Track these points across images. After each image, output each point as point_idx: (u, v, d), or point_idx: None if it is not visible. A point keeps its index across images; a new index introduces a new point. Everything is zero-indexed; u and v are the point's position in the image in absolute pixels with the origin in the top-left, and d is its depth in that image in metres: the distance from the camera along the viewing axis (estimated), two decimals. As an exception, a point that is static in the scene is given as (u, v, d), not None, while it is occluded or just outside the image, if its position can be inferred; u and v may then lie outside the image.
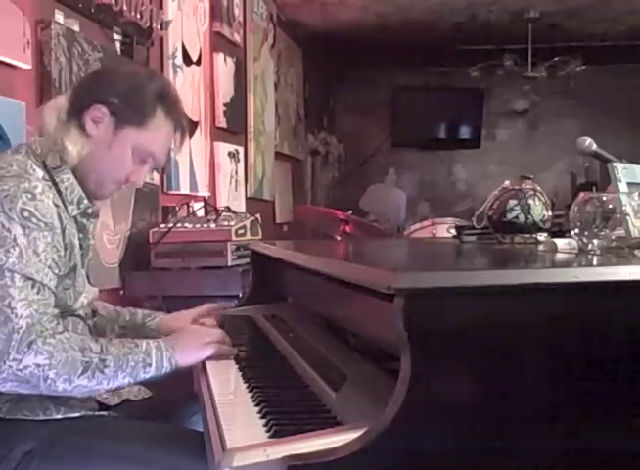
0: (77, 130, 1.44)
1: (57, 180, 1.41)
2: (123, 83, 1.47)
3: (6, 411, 1.34)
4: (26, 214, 1.28)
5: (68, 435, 1.33)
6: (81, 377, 1.24)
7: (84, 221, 1.49)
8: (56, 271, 1.33)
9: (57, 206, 1.37)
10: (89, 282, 1.55)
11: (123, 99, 1.44)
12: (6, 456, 1.28)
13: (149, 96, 1.46)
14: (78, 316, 1.48)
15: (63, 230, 1.37)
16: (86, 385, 1.25)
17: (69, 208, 1.43)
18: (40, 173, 1.38)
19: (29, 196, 1.30)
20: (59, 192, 1.41)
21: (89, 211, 1.48)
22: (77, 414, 1.39)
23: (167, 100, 1.49)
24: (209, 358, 1.48)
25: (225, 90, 4.29)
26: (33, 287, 1.26)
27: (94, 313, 1.62)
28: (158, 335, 1.59)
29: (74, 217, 1.45)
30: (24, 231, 1.27)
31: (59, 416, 1.37)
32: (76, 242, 1.44)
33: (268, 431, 1.00)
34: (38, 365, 1.21)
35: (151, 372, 1.32)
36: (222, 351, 1.45)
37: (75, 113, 1.45)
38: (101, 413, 1.46)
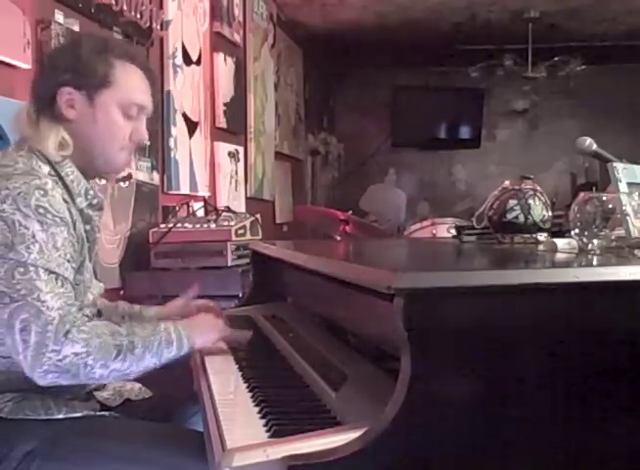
0: (55, 122, 1.42)
1: (62, 174, 1.41)
2: (64, 56, 1.46)
3: (8, 411, 1.34)
4: (42, 211, 1.29)
5: (70, 435, 1.33)
6: (116, 360, 1.25)
7: (90, 212, 1.48)
8: (74, 265, 1.35)
9: (66, 201, 1.37)
10: (95, 277, 1.55)
11: (74, 70, 1.42)
12: (7, 456, 1.28)
13: (90, 53, 1.43)
14: (86, 316, 1.46)
15: (74, 225, 1.38)
16: (119, 368, 1.27)
17: (78, 200, 1.43)
18: (46, 169, 1.38)
19: (42, 192, 1.30)
20: (65, 186, 1.41)
21: (94, 201, 1.47)
22: (79, 414, 1.39)
23: (113, 48, 1.46)
24: (210, 357, 1.49)
25: (225, 90, 4.29)
26: (57, 280, 1.27)
27: (99, 313, 1.62)
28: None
29: (81, 210, 1.45)
30: (42, 227, 1.28)
31: (60, 416, 1.37)
32: (84, 235, 1.44)
33: (268, 431, 1.00)
34: (76, 354, 1.21)
35: (173, 351, 1.34)
36: (234, 334, 1.51)
37: (45, 107, 1.43)
38: (102, 413, 1.46)
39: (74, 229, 1.38)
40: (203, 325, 1.48)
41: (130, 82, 1.46)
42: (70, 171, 1.42)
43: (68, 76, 1.41)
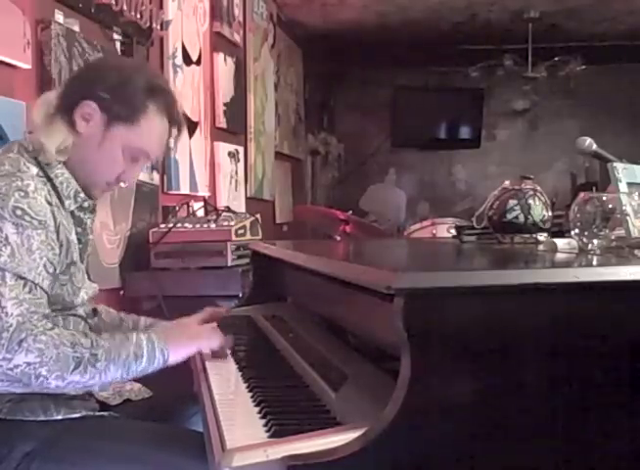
0: (66, 127, 1.42)
1: (51, 176, 1.40)
2: (112, 77, 1.44)
3: (6, 412, 1.33)
4: (19, 212, 1.27)
5: (69, 435, 1.33)
6: (74, 373, 1.22)
7: (81, 215, 1.47)
8: (50, 270, 1.32)
9: (50, 203, 1.35)
10: (89, 278, 1.54)
11: (113, 94, 1.41)
12: (6, 457, 1.28)
13: (138, 89, 1.42)
14: (79, 316, 1.47)
15: (57, 228, 1.36)
16: (79, 381, 1.24)
17: (66, 202, 1.42)
18: (34, 170, 1.37)
19: (22, 194, 1.29)
20: (54, 187, 1.40)
21: (86, 204, 1.46)
22: (78, 415, 1.39)
23: (158, 93, 1.45)
24: (209, 357, 1.48)
25: (225, 90, 4.29)
26: (25, 286, 1.25)
27: (95, 312, 1.61)
28: None
29: (72, 212, 1.44)
30: (17, 229, 1.26)
31: (59, 417, 1.36)
32: (73, 237, 1.43)
33: (268, 431, 1.00)
34: (29, 364, 1.19)
35: (142, 364, 1.30)
36: (214, 343, 1.45)
37: (65, 109, 1.42)
38: (101, 414, 1.46)
39: (58, 232, 1.36)
40: (181, 337, 1.43)
41: (152, 132, 1.45)
42: (60, 173, 1.41)
43: (103, 96, 1.41)
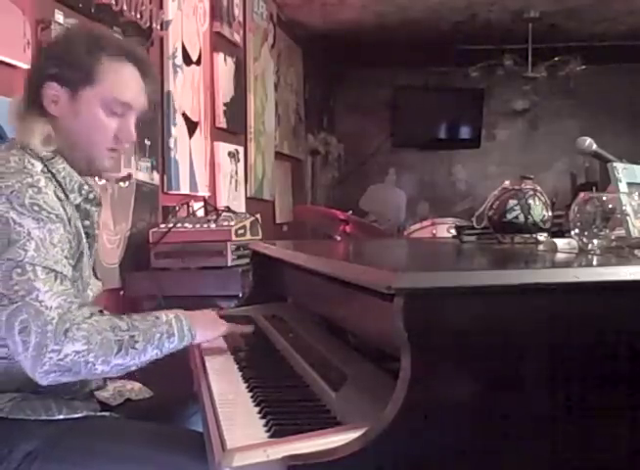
0: (40, 117, 1.41)
1: (53, 171, 1.40)
2: (54, 50, 1.45)
3: (8, 411, 1.33)
4: (36, 208, 1.28)
5: (70, 435, 1.33)
6: (117, 356, 1.25)
7: (88, 207, 1.47)
8: (71, 262, 1.34)
9: (59, 198, 1.36)
10: (94, 275, 1.54)
11: (61, 64, 1.40)
12: (7, 456, 1.28)
13: (79, 47, 1.41)
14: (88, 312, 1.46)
15: (69, 221, 1.37)
16: (121, 363, 1.27)
17: (71, 196, 1.42)
18: (39, 166, 1.37)
19: (35, 190, 1.30)
20: (58, 182, 1.40)
21: (91, 196, 1.46)
22: (79, 415, 1.39)
23: (103, 42, 1.43)
24: (210, 357, 1.49)
25: (225, 90, 4.29)
26: (56, 278, 1.26)
27: (101, 313, 1.59)
28: None
29: (77, 205, 1.44)
30: (38, 224, 1.27)
31: (61, 416, 1.37)
32: (82, 231, 1.44)
33: (268, 431, 1.00)
34: (77, 352, 1.21)
35: (175, 342, 1.34)
36: (236, 328, 1.56)
37: (33, 102, 1.42)
38: (102, 414, 1.46)
39: (70, 225, 1.37)
40: (204, 319, 1.49)
41: (117, 80, 1.43)
42: (62, 168, 1.41)
43: (55, 71, 1.40)
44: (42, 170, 1.37)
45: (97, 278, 1.56)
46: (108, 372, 1.27)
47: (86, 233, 1.47)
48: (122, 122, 1.45)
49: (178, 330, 1.35)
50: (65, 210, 1.36)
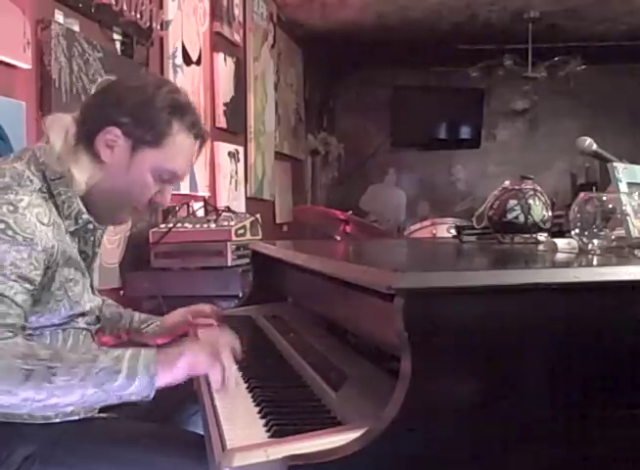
0: (89, 157, 1.37)
1: (54, 192, 1.34)
2: (131, 99, 1.37)
3: (5, 414, 1.32)
4: (2, 226, 1.20)
5: (69, 438, 1.32)
6: (25, 387, 1.09)
7: (86, 236, 1.41)
8: (28, 286, 1.22)
9: (43, 223, 1.26)
10: (92, 292, 1.48)
11: (135, 117, 1.35)
12: (6, 460, 1.27)
13: (160, 109, 1.37)
14: (80, 328, 1.42)
15: (49, 248, 1.26)
16: (34, 397, 1.09)
17: (66, 223, 1.35)
18: (38, 184, 1.31)
19: (11, 208, 1.22)
20: (56, 205, 1.34)
21: (90, 226, 1.39)
22: (77, 417, 1.38)
23: (181, 111, 1.39)
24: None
25: (225, 90, 4.29)
26: None
27: (98, 319, 1.55)
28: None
29: (72, 232, 1.37)
30: None
31: (58, 420, 1.35)
32: (75, 254, 1.37)
33: (268, 431, 1.00)
34: None
35: (119, 381, 1.12)
36: (216, 370, 1.21)
37: (85, 137, 1.37)
38: (101, 416, 1.46)
39: (50, 253, 1.27)
40: (179, 357, 1.18)
41: (178, 152, 1.40)
42: (64, 191, 1.34)
43: (125, 120, 1.35)
44: (40, 189, 1.31)
45: (95, 295, 1.51)
46: (19, 406, 1.11)
47: (83, 255, 1.41)
48: (163, 188, 1.43)
49: (128, 367, 1.13)
50: (47, 235, 1.26)
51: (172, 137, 1.38)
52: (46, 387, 1.10)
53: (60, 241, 1.31)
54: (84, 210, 1.37)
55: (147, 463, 1.28)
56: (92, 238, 1.44)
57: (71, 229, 1.36)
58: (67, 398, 1.12)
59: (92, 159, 1.37)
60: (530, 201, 1.74)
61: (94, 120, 1.37)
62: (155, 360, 1.15)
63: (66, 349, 1.29)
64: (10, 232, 1.20)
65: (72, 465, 1.29)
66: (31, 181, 1.31)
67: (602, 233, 1.31)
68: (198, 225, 2.91)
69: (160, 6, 3.28)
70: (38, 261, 1.24)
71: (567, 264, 1.20)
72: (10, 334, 1.16)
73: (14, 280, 1.19)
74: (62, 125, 1.40)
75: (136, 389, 1.14)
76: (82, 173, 1.36)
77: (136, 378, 1.13)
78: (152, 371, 1.14)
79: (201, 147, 1.46)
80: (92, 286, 1.48)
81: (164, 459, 1.28)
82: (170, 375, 1.17)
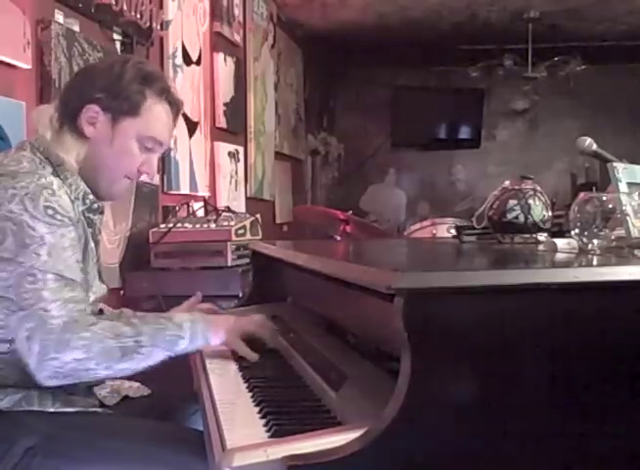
0: (73, 135, 1.45)
1: (61, 176, 1.41)
2: (104, 76, 1.46)
3: (7, 406, 1.33)
4: (50, 212, 1.29)
5: (71, 431, 1.33)
6: (121, 362, 1.27)
7: (91, 216, 1.49)
8: (82, 266, 1.35)
9: (72, 201, 1.38)
10: (100, 278, 1.54)
11: (109, 92, 1.44)
12: (7, 452, 1.27)
13: (132, 81, 1.45)
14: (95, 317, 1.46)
15: (78, 222, 1.39)
16: (127, 367, 1.29)
17: (75, 203, 1.43)
18: (49, 169, 1.39)
19: (50, 192, 1.31)
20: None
21: (95, 206, 1.48)
22: (77, 409, 1.39)
23: (152, 79, 1.48)
24: (210, 357, 1.48)
25: (225, 90, 4.29)
26: (66, 286, 1.27)
27: (101, 311, 1.60)
28: None
29: (82, 212, 1.45)
30: (51, 228, 1.28)
31: (59, 410, 1.37)
32: (89, 235, 1.46)
33: (268, 431, 1.00)
34: (77, 360, 1.23)
35: (185, 345, 1.35)
36: (244, 350, 1.45)
37: (68, 119, 1.46)
38: (103, 410, 1.46)
39: (79, 227, 1.39)
40: (222, 323, 1.46)
41: (156, 117, 1.48)
42: (70, 174, 1.43)
43: (101, 96, 1.44)
44: (52, 173, 1.39)
45: (102, 281, 1.56)
46: (114, 375, 1.31)
47: (92, 238, 1.48)
48: (149, 157, 1.50)
49: (191, 333, 1.35)
50: (75, 211, 1.38)
51: (147, 104, 1.46)
52: (136, 358, 1.29)
53: (80, 219, 1.41)
54: (89, 190, 1.46)
55: (148, 458, 1.29)
56: (95, 222, 1.50)
57: (80, 209, 1.45)
58: (148, 362, 1.31)
59: (77, 137, 1.46)
60: (530, 201, 1.74)
61: (73, 102, 1.46)
62: (208, 329, 1.39)
63: (137, 320, 1.38)
64: (58, 216, 1.30)
65: (74, 458, 1.29)
66: (44, 167, 1.39)
67: (602, 233, 1.31)
68: (198, 225, 2.91)
69: (160, 6, 3.28)
70: (80, 237, 1.37)
71: (566, 264, 1.20)
72: (94, 318, 1.31)
73: (75, 261, 1.31)
74: (46, 115, 1.49)
75: (194, 348, 1.39)
76: (70, 153, 1.45)
77: (196, 342, 1.37)
78: (207, 335, 1.39)
79: (177, 114, 1.54)
80: (100, 272, 1.55)
81: (166, 454, 1.29)
82: (218, 339, 1.42)
